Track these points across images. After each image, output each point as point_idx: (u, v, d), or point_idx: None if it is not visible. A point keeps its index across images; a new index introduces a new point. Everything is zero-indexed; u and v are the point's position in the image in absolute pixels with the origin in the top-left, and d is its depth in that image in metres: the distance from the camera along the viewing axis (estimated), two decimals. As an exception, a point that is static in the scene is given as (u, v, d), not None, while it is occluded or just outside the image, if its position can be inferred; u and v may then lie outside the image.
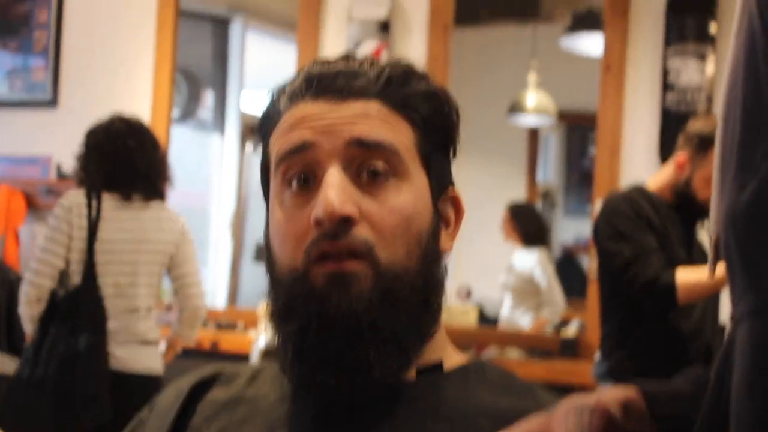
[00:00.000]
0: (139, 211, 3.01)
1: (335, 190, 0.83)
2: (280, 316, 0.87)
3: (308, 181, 0.87)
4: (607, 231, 2.70)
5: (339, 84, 0.88)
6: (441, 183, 0.93)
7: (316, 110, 0.87)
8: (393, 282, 0.84)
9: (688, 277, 2.56)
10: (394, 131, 0.88)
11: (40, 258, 2.92)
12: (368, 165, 0.86)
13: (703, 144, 2.67)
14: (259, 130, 0.94)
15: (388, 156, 0.86)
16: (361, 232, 0.84)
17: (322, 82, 0.88)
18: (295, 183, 0.87)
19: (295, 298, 0.84)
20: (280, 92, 0.92)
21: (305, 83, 0.89)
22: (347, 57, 0.91)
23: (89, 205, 2.95)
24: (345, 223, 0.83)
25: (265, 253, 0.92)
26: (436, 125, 0.91)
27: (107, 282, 2.93)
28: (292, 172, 0.87)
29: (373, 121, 0.87)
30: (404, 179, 0.87)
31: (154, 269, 3.01)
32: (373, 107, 0.88)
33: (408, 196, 0.87)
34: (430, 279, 0.88)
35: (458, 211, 0.95)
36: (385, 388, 0.85)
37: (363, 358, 0.82)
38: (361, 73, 0.89)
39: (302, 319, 0.83)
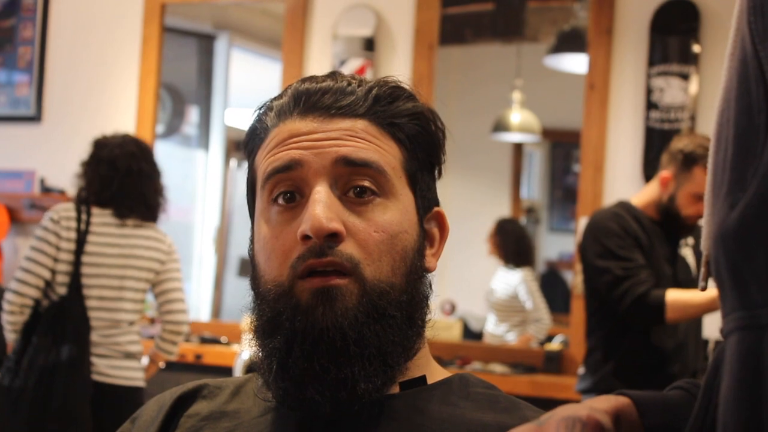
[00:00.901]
0: (127, 227, 3.01)
1: (322, 206, 0.83)
2: (264, 331, 0.86)
3: (295, 198, 0.87)
4: (595, 248, 2.71)
5: (327, 102, 0.88)
6: (427, 201, 0.93)
7: (304, 128, 0.88)
8: (379, 298, 0.84)
9: (678, 296, 2.58)
10: (380, 150, 0.88)
11: (26, 267, 2.91)
12: (354, 183, 0.86)
13: (688, 161, 2.69)
14: (245, 145, 0.95)
15: (374, 175, 0.87)
16: (347, 249, 0.84)
17: (310, 100, 0.89)
18: (281, 199, 0.87)
19: (281, 314, 0.84)
20: (267, 108, 0.92)
21: (293, 100, 0.90)
22: (335, 74, 0.92)
23: (78, 219, 2.95)
24: (331, 239, 0.83)
25: (249, 268, 0.92)
26: (422, 144, 0.92)
27: (92, 294, 2.92)
28: (279, 189, 0.88)
29: (360, 140, 0.87)
30: (390, 197, 0.88)
31: (140, 285, 3.01)
32: (360, 125, 0.88)
33: (394, 213, 0.87)
34: (415, 295, 0.88)
35: (443, 231, 0.96)
36: (369, 402, 0.85)
37: (348, 374, 0.82)
38: (349, 91, 0.89)
39: (287, 335, 0.83)
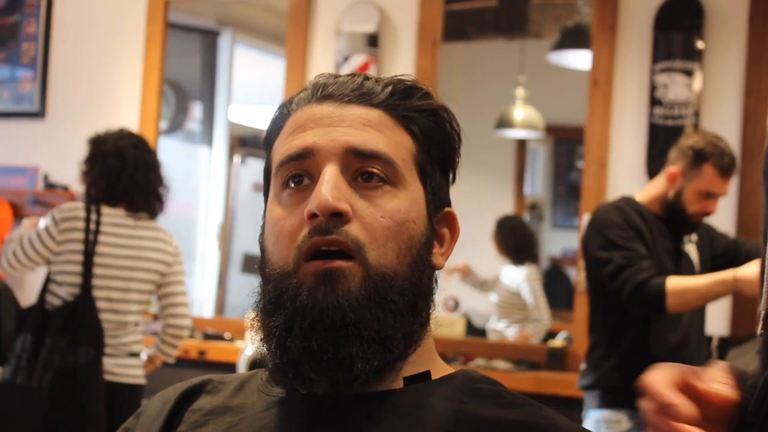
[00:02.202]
0: (136, 228, 3.01)
1: (328, 185, 0.85)
2: (266, 310, 0.87)
3: (306, 181, 0.88)
4: (598, 240, 2.71)
5: (344, 90, 0.91)
6: (438, 199, 0.94)
7: (319, 112, 0.90)
8: (381, 282, 0.85)
9: (678, 282, 2.57)
10: (392, 141, 0.90)
11: (26, 248, 2.95)
12: (364, 171, 0.88)
13: (698, 158, 2.69)
14: (266, 139, 0.96)
15: (384, 166, 0.88)
16: (353, 231, 0.85)
17: (328, 89, 0.91)
18: (293, 182, 0.89)
19: (283, 293, 0.85)
20: (288, 102, 0.94)
21: (312, 90, 0.92)
22: (354, 74, 0.94)
23: (87, 219, 2.95)
24: (337, 218, 0.84)
25: (252, 264, 0.93)
26: (435, 140, 0.93)
27: (101, 296, 2.93)
28: (291, 174, 0.89)
29: (372, 128, 0.89)
30: (399, 187, 0.89)
31: (146, 287, 3.02)
32: (374, 114, 0.90)
33: (402, 202, 0.88)
34: (418, 284, 0.88)
35: (453, 231, 0.96)
36: (373, 396, 0.86)
37: (346, 355, 0.83)
38: (366, 84, 0.92)
39: (288, 314, 0.84)
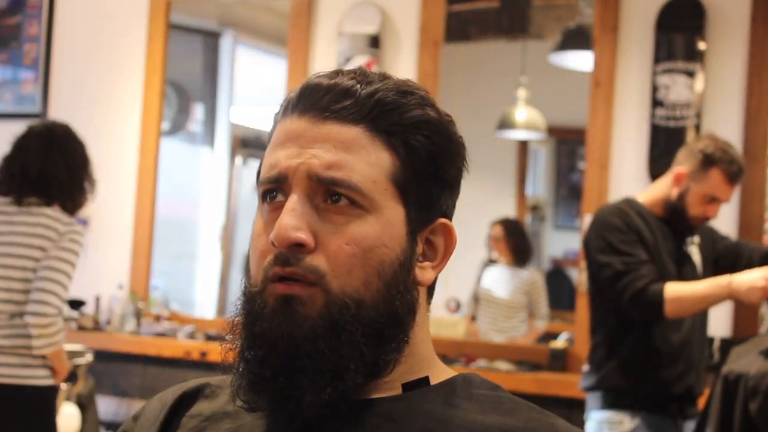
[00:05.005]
0: (18, 214, 2.96)
1: (290, 215, 0.83)
2: (236, 328, 0.87)
3: (280, 197, 0.87)
4: (598, 243, 2.72)
5: (324, 103, 0.87)
6: (427, 213, 0.90)
7: (297, 128, 0.87)
8: (339, 313, 0.83)
9: (676, 289, 2.57)
10: (364, 163, 0.86)
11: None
12: (332, 194, 0.85)
13: (707, 162, 2.69)
14: (268, 139, 0.95)
15: (349, 192, 0.85)
16: (314, 261, 0.83)
17: (311, 99, 0.87)
18: (269, 197, 0.88)
19: (249, 314, 0.85)
20: (282, 104, 0.92)
21: (298, 95, 0.89)
22: (349, 73, 0.89)
23: None
24: (297, 248, 0.83)
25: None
26: (423, 153, 0.88)
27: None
28: (267, 191, 0.88)
29: (344, 152, 0.85)
30: (371, 210, 0.86)
31: (16, 274, 2.95)
32: (351, 134, 0.86)
33: (372, 226, 0.85)
34: (389, 311, 0.86)
35: (449, 242, 0.92)
36: (370, 402, 0.85)
37: (295, 385, 0.82)
38: (351, 92, 0.87)
39: (249, 338, 0.84)
